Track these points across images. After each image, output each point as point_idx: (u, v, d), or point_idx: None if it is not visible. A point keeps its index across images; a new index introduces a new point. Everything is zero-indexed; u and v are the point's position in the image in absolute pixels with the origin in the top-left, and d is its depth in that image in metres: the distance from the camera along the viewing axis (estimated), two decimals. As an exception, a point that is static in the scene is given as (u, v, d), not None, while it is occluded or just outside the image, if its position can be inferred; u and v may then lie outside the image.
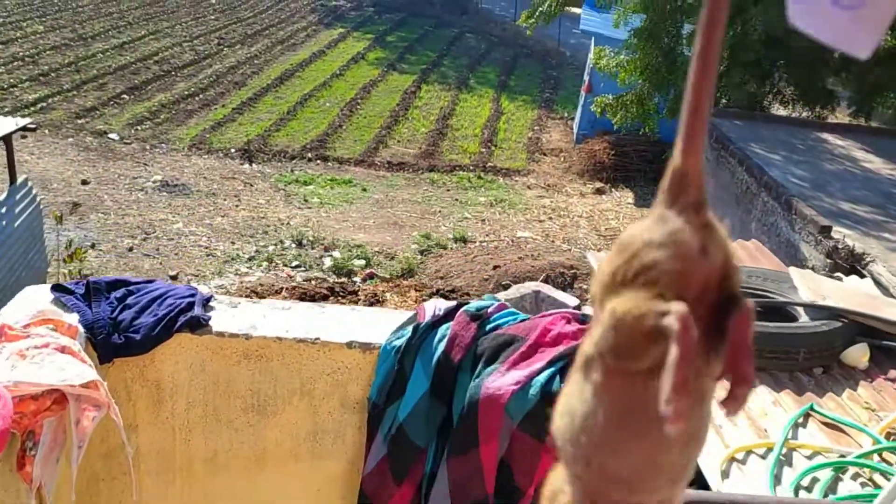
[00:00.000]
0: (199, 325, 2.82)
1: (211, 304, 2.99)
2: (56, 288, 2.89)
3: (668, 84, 10.98)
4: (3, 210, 6.44)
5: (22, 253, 6.61)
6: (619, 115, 11.67)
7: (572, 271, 10.47)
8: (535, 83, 22.14)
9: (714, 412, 0.88)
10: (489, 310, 2.88)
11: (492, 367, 2.65)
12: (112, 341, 2.72)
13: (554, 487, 0.93)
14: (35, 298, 2.85)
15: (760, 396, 2.66)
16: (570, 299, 3.88)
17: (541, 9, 10.54)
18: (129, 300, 2.84)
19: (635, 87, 11.73)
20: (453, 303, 2.96)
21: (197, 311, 2.82)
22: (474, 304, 2.95)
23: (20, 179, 6.86)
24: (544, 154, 16.58)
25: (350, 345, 2.83)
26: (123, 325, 2.74)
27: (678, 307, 0.78)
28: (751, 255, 3.78)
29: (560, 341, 2.65)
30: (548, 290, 4.00)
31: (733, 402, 0.81)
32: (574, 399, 0.86)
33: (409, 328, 2.84)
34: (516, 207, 13.52)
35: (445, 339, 2.77)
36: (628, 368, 0.82)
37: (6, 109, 14.60)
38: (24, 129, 6.58)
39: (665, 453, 0.84)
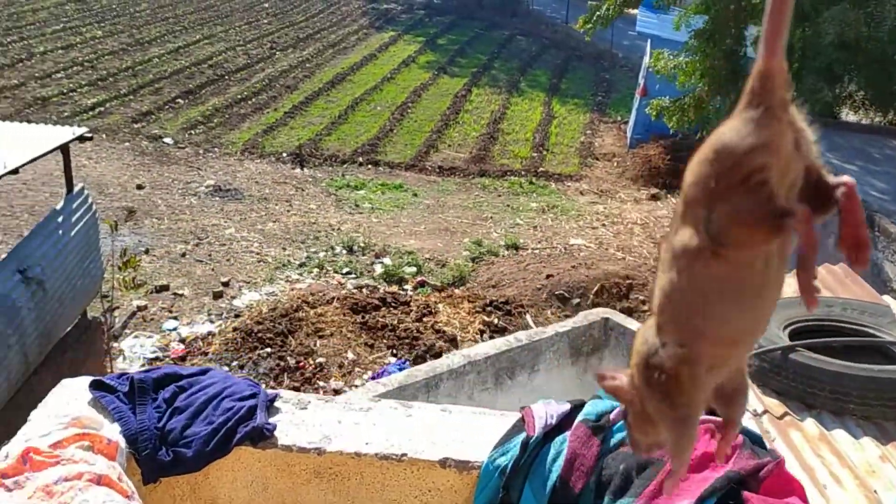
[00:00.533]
0: (262, 437, 2.38)
1: (276, 404, 2.54)
2: (96, 385, 2.48)
3: (730, 86, 10.60)
4: (61, 219, 6.47)
5: (78, 261, 6.63)
6: (675, 118, 11.32)
7: (628, 282, 10.16)
8: (588, 86, 21.77)
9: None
10: (612, 416, 2.35)
11: (623, 501, 2.11)
12: (159, 458, 2.31)
13: (649, 347, 1.06)
14: (71, 396, 2.45)
15: (867, 450, 2.41)
16: (642, 327, 3.65)
17: (598, 13, 10.27)
18: (180, 401, 2.39)
19: (694, 90, 11.36)
20: (566, 406, 2.41)
21: (259, 418, 2.37)
22: (592, 407, 2.41)
23: (77, 188, 6.90)
24: (597, 159, 16.25)
25: (444, 463, 2.34)
26: (173, 436, 2.33)
27: (800, 207, 0.92)
28: (840, 282, 3.49)
29: (706, 464, 2.08)
30: (618, 317, 3.77)
31: (862, 265, 0.98)
32: (681, 283, 1.00)
33: (517, 442, 2.33)
34: (569, 214, 13.25)
35: (561, 459, 2.25)
36: (740, 258, 0.97)
37: (66, 114, 14.91)
38: (80, 137, 6.60)
39: (765, 318, 1.05)
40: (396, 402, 2.61)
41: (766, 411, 2.69)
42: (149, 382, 2.44)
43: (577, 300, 9.47)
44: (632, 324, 3.69)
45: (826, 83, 8.14)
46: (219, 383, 2.45)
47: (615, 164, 16.03)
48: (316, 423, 2.46)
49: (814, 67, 8.66)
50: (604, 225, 12.95)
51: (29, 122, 14.00)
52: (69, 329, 6.80)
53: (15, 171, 5.85)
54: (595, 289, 9.70)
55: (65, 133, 6.61)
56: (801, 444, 2.48)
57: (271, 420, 2.41)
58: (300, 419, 2.47)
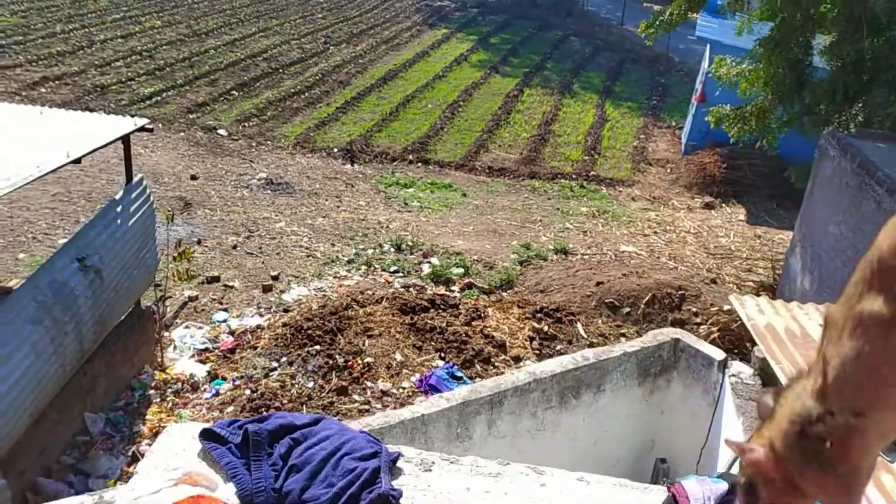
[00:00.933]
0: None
1: (398, 464, 2.35)
2: (206, 435, 2.31)
3: (794, 96, 10.29)
4: (119, 209, 6.54)
5: (135, 251, 6.71)
6: (736, 127, 11.01)
7: (680, 292, 9.92)
8: (642, 90, 21.43)
9: None
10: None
11: None
12: None
13: (806, 415, 1.01)
14: (179, 446, 2.30)
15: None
16: (714, 351, 3.50)
17: (661, 18, 10.03)
18: (296, 457, 2.20)
19: (756, 99, 11.06)
20: (723, 487, 2.15)
21: (384, 483, 2.16)
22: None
23: (136, 178, 6.97)
24: (650, 164, 15.97)
25: None
26: (291, 499, 2.13)
27: None
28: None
29: None
30: (688, 338, 3.63)
31: None
32: (871, 352, 0.96)
33: None
34: (620, 219, 13.03)
35: None
36: None
37: (123, 102, 15.18)
38: (142, 128, 6.66)
39: None
40: (527, 468, 2.40)
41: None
42: (264, 436, 2.27)
43: (628, 309, 9.29)
44: (703, 346, 3.55)
45: (898, 96, 7.84)
46: (335, 436, 2.28)
47: (668, 170, 15.73)
48: (443, 489, 2.26)
49: (885, 80, 8.34)
50: (655, 233, 12.70)
51: (88, 109, 14.30)
52: (123, 317, 6.88)
53: (77, 161, 5.92)
54: (646, 298, 9.49)
55: (126, 124, 6.67)
56: (893, 487, 2.34)
57: (395, 484, 2.22)
58: (425, 483, 2.29)
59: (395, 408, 6.37)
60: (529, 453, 3.41)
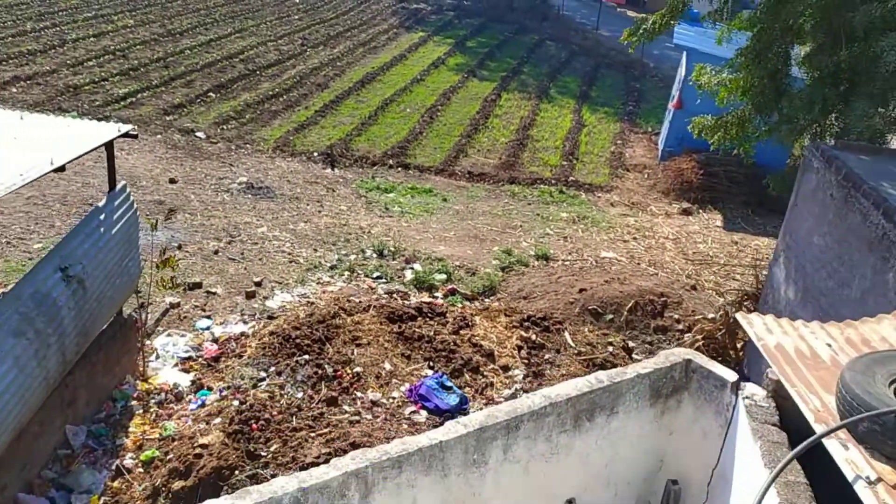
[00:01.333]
0: None
1: None
2: None
3: (772, 105, 10.41)
4: (103, 217, 6.41)
5: (118, 259, 6.58)
6: (718, 135, 11.13)
7: (662, 299, 10.01)
8: (618, 95, 21.60)
9: None
10: None
11: None
12: None
13: None
14: None
15: None
16: (727, 373, 3.51)
17: (644, 27, 10.08)
18: None
19: (735, 108, 11.19)
20: None
21: None
22: None
23: (119, 185, 6.83)
24: (627, 170, 16.09)
25: None
26: None
27: None
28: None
29: None
30: (700, 359, 3.63)
31: None
32: None
33: None
34: (599, 225, 13.11)
35: None
36: None
37: (97, 103, 14.91)
38: (126, 134, 6.54)
39: None
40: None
41: (879, 479, 2.54)
42: None
43: (611, 316, 9.34)
44: (715, 367, 3.56)
45: (878, 108, 7.94)
46: None
47: (646, 175, 15.86)
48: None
49: (864, 92, 8.45)
50: (635, 238, 12.80)
51: (61, 109, 14.03)
52: (104, 327, 6.74)
53: (61, 169, 5.79)
54: (629, 305, 9.56)
55: (110, 130, 6.54)
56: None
57: None
58: None
59: (386, 418, 6.33)
60: (543, 478, 3.40)
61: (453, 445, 3.18)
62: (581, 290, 9.94)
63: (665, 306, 9.91)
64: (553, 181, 14.71)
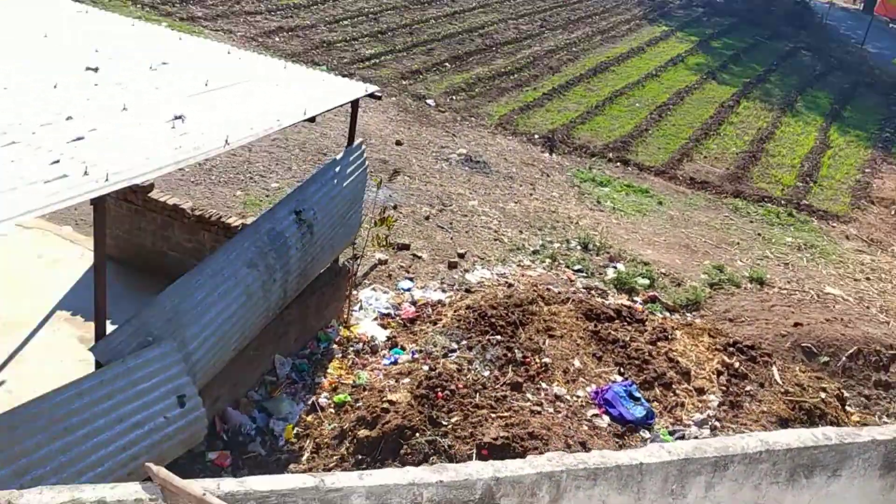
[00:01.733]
0: None
1: None
2: None
3: None
4: (338, 169, 6.83)
5: (345, 211, 7.00)
6: None
7: (891, 351, 8.98)
8: (875, 119, 19.51)
9: None
10: None
11: None
12: None
13: None
14: None
15: None
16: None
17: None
18: None
19: None
20: None
21: None
22: None
23: (356, 142, 7.24)
24: (872, 202, 14.54)
25: None
26: None
27: None
28: None
29: None
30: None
31: None
32: None
33: None
34: (828, 257, 11.98)
35: None
36: None
37: (345, 60, 15.91)
38: (371, 95, 6.89)
39: None
40: None
41: None
42: None
43: (827, 359, 8.54)
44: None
45: None
46: None
47: (893, 212, 14.26)
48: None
49: None
50: (868, 279, 11.57)
51: (314, 62, 15.12)
52: (321, 271, 7.22)
53: (312, 119, 6.22)
54: (850, 351, 8.68)
55: (357, 89, 6.92)
56: None
57: None
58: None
59: (567, 415, 6.25)
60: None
61: (654, 470, 3.04)
62: (796, 324, 9.16)
63: (893, 360, 8.89)
64: (783, 201, 13.63)
